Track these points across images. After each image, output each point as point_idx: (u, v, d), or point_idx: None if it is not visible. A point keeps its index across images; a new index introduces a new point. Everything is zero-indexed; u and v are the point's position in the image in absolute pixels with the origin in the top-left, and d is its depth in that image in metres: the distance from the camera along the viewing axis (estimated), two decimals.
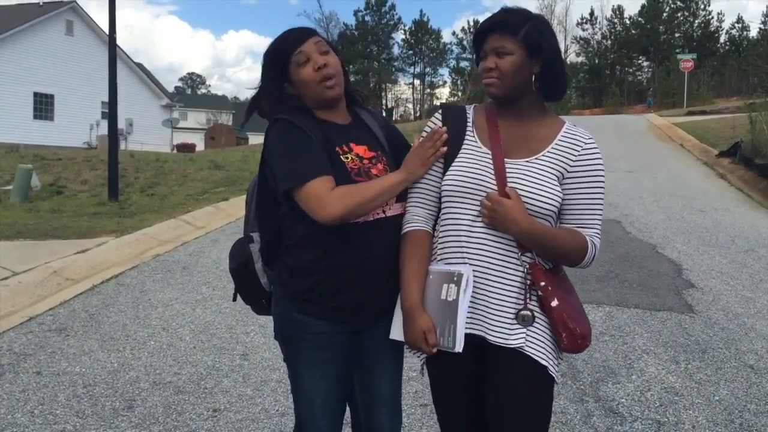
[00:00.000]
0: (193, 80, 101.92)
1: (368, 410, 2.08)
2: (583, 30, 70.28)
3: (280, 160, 1.88)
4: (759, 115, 13.65)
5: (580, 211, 1.83)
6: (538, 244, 1.78)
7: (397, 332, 1.93)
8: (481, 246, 1.80)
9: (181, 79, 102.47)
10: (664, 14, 66.67)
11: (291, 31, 2.01)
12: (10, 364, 3.97)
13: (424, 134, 1.94)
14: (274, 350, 4.06)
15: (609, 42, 70.26)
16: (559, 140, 1.84)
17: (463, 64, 72.43)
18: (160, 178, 13.01)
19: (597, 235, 1.84)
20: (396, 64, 73.35)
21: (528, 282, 1.80)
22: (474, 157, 1.85)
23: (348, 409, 2.14)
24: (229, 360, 4.05)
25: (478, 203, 1.80)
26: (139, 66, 36.80)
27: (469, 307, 1.79)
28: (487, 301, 1.80)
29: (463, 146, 1.88)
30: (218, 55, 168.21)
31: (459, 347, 1.77)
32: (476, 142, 1.88)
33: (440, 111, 1.98)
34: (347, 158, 1.92)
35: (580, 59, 68.39)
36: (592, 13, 72.11)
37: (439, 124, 1.93)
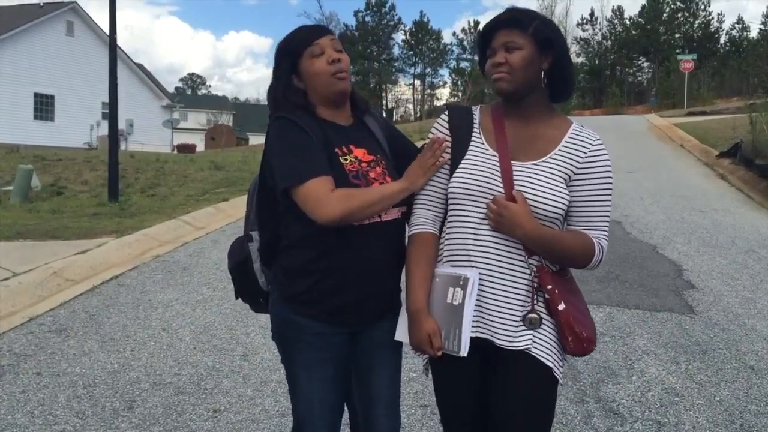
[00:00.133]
0: (194, 81, 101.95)
1: (366, 411, 2.08)
2: (584, 31, 70.35)
3: (280, 158, 1.87)
4: (759, 116, 13.65)
5: (588, 213, 1.82)
6: (544, 248, 1.78)
7: (402, 334, 1.93)
8: (487, 249, 1.79)
9: (181, 80, 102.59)
10: (665, 15, 66.68)
11: (308, 26, 2.03)
12: (10, 364, 3.97)
13: (431, 136, 1.94)
14: (274, 351, 4.06)
15: (609, 42, 70.28)
16: (567, 142, 1.83)
17: (464, 64, 72.49)
18: (161, 179, 13.01)
19: (604, 236, 1.84)
20: (396, 64, 73.42)
21: (535, 285, 1.79)
22: (481, 159, 1.84)
23: (346, 410, 2.14)
24: (229, 361, 4.05)
25: (484, 206, 1.79)
26: (140, 66, 36.82)
27: (474, 310, 1.79)
28: (494, 304, 1.79)
29: (470, 148, 1.87)
30: (219, 55, 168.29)
31: (464, 351, 1.76)
32: (483, 143, 1.87)
33: (446, 112, 1.96)
34: (346, 160, 1.91)
35: (580, 60, 68.37)
36: (592, 14, 72.28)
37: (446, 125, 1.92)
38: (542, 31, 1.80)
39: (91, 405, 3.44)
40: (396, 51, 73.60)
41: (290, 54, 1.98)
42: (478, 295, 1.78)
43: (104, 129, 22.74)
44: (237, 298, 2.21)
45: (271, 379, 3.75)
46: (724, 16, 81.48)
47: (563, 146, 1.83)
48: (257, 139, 44.49)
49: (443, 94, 76.07)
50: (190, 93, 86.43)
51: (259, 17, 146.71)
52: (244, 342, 4.35)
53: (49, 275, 5.67)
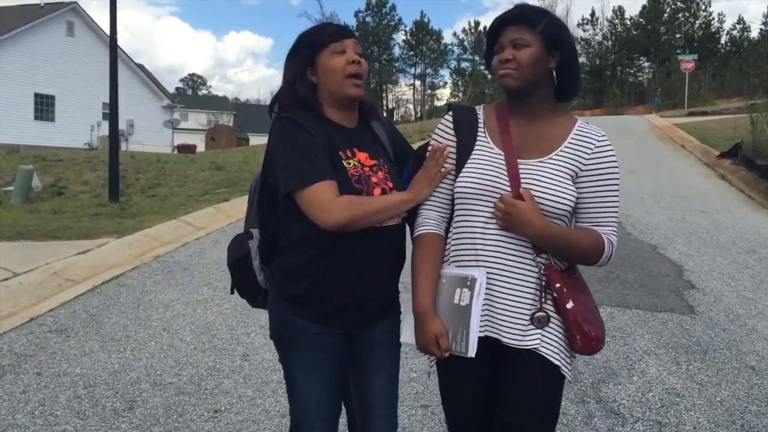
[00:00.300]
0: (194, 81, 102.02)
1: (364, 413, 2.07)
2: (584, 31, 70.44)
3: (284, 160, 1.85)
4: (760, 116, 13.67)
5: (595, 209, 1.82)
6: (553, 246, 1.77)
7: (407, 336, 1.92)
8: (495, 248, 1.79)
9: (181, 80, 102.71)
10: (665, 15, 66.74)
11: (336, 24, 2.01)
12: (11, 364, 3.97)
13: (436, 137, 1.93)
14: (274, 351, 4.03)
15: (610, 43, 70.34)
16: (572, 139, 1.83)
17: (464, 65, 72.63)
18: (161, 179, 13.02)
19: (613, 232, 1.83)
20: (397, 65, 73.57)
21: (543, 283, 1.79)
22: (487, 158, 1.83)
23: (344, 410, 2.14)
24: (229, 361, 4.04)
25: (491, 205, 1.79)
26: (140, 67, 36.83)
27: (483, 309, 1.78)
28: (502, 304, 1.79)
29: (475, 147, 1.86)
30: (219, 56, 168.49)
31: (472, 352, 1.75)
32: (488, 143, 1.86)
33: (450, 112, 1.95)
34: (349, 164, 1.89)
35: (580, 60, 68.23)
36: (593, 14, 72.54)
37: (450, 125, 1.91)
38: (551, 30, 1.79)
39: (92, 405, 3.44)
40: (396, 51, 73.80)
41: (312, 46, 1.95)
42: (486, 294, 1.78)
43: (105, 129, 22.75)
44: (232, 293, 2.19)
45: (272, 379, 3.75)
46: (724, 16, 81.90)
47: (569, 143, 1.82)
48: (258, 140, 44.48)
49: (444, 95, 76.24)
50: (191, 93, 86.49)
51: (259, 17, 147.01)
52: (245, 342, 4.35)
53: (50, 275, 5.67)
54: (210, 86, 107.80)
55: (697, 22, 66.53)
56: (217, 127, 43.31)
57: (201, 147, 37.20)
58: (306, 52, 1.95)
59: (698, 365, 4.01)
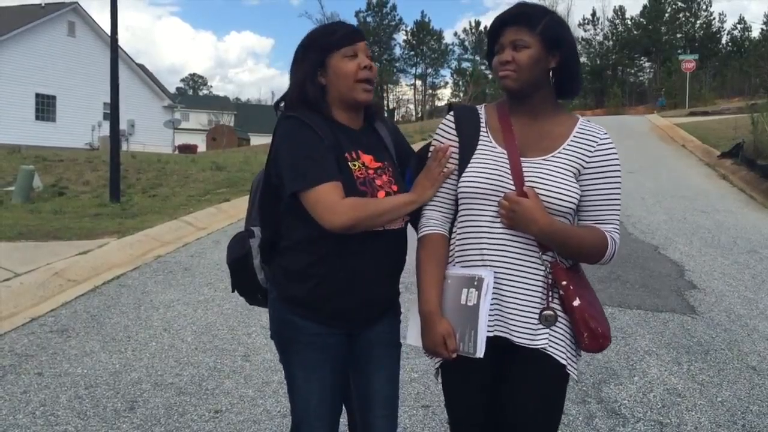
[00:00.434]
0: (195, 81, 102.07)
1: (365, 412, 2.07)
2: (585, 31, 70.42)
3: (289, 159, 1.84)
4: (761, 116, 13.66)
5: (598, 207, 1.82)
6: (558, 243, 1.77)
7: (413, 337, 1.90)
8: (501, 247, 1.79)
9: (182, 80, 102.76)
10: (666, 15, 66.72)
11: (348, 26, 1.98)
12: (12, 365, 3.98)
13: (438, 137, 1.93)
14: (275, 351, 4.03)
15: (610, 43, 70.33)
16: (575, 137, 1.83)
17: (465, 65, 72.61)
18: (162, 179, 13.02)
19: (616, 230, 1.84)
20: (397, 65, 73.54)
21: (549, 281, 1.79)
22: (490, 157, 1.83)
23: (345, 411, 2.14)
24: (230, 361, 4.04)
25: (496, 204, 1.78)
26: (141, 67, 36.84)
27: (491, 308, 1.77)
28: (511, 303, 1.78)
29: (478, 147, 1.85)
30: (220, 56, 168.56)
31: (480, 353, 1.75)
32: (491, 142, 1.86)
33: (452, 112, 1.95)
34: (355, 165, 1.89)
35: (581, 60, 68.30)
36: (593, 14, 72.57)
37: (452, 125, 1.91)
38: (551, 30, 1.79)
39: (93, 405, 3.44)
40: (397, 51, 73.80)
41: (323, 48, 1.92)
42: (494, 293, 1.77)
43: (105, 129, 22.78)
44: (233, 291, 2.18)
45: (273, 379, 3.75)
46: (725, 16, 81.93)
47: (571, 141, 1.82)
48: (259, 140, 44.50)
49: (444, 95, 76.24)
50: (192, 93, 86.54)
51: (260, 17, 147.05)
52: (246, 342, 4.35)
53: (51, 276, 5.68)
54: (211, 86, 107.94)
55: (698, 22, 66.50)
56: (218, 127, 43.31)
57: (202, 147, 37.18)
58: (317, 54, 1.93)
59: (699, 365, 4.01)
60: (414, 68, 74.90)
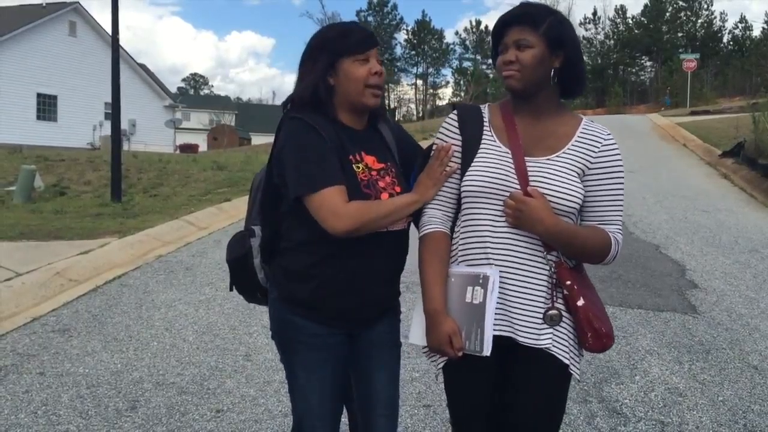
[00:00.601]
0: (196, 81, 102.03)
1: (365, 413, 2.07)
2: (586, 30, 70.34)
3: (294, 162, 1.83)
4: (762, 115, 13.62)
5: (602, 207, 1.82)
6: (563, 243, 1.77)
7: (416, 336, 1.90)
8: (506, 246, 1.78)
9: (183, 80, 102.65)
10: (667, 14, 66.64)
11: (363, 30, 1.96)
12: (14, 364, 3.98)
13: (441, 136, 1.92)
14: (276, 351, 4.04)
15: (612, 42, 70.28)
16: (579, 137, 1.83)
17: (466, 64, 72.58)
18: (163, 179, 13.02)
19: (619, 231, 1.84)
20: (398, 64, 73.48)
21: (554, 281, 1.79)
22: (494, 156, 1.83)
23: (346, 411, 2.14)
24: (232, 361, 4.05)
25: (500, 203, 1.78)
26: (142, 67, 36.85)
27: (496, 308, 1.77)
28: (516, 302, 1.78)
29: (482, 146, 1.85)
30: (221, 55, 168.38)
31: (487, 351, 1.75)
32: (495, 141, 1.85)
33: (455, 111, 1.94)
34: (359, 168, 1.89)
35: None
36: (594, 13, 72.60)
37: (455, 124, 1.91)
38: (555, 29, 1.79)
39: (95, 405, 3.44)
40: (398, 51, 73.76)
41: (336, 51, 1.90)
42: (499, 292, 1.77)
43: (107, 129, 22.73)
44: (231, 290, 2.18)
45: (274, 379, 3.75)
46: (726, 15, 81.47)
47: (576, 141, 1.83)
48: (260, 139, 44.48)
49: (446, 94, 76.23)
50: (193, 93, 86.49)
51: (261, 17, 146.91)
52: (247, 342, 4.36)
53: (52, 275, 5.68)
54: (212, 86, 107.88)
55: (699, 21, 66.44)
56: (219, 127, 43.38)
57: (203, 147, 37.21)
58: (328, 56, 1.91)
59: (701, 365, 4.01)
60: (415, 68, 74.98)
